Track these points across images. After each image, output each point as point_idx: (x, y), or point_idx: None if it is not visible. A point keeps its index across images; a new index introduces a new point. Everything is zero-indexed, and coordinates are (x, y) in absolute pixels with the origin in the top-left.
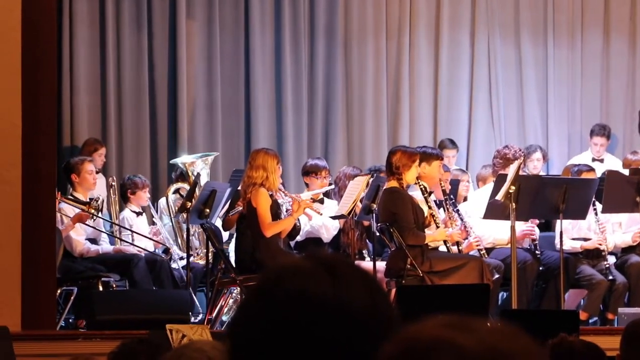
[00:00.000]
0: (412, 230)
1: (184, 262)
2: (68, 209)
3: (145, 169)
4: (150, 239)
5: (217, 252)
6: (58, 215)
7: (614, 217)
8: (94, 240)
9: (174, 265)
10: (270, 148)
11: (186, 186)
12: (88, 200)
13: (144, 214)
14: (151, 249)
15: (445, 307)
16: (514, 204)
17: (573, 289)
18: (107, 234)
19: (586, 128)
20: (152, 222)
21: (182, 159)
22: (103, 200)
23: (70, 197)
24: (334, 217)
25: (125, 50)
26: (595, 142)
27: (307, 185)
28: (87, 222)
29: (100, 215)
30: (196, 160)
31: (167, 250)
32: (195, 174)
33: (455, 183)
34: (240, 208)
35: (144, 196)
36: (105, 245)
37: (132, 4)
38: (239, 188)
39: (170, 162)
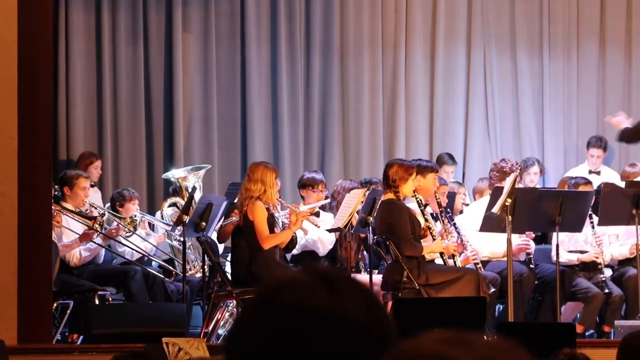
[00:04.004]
0: (409, 241)
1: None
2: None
3: (142, 181)
4: (148, 255)
5: (213, 265)
6: (61, 229)
7: (611, 229)
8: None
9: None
10: (270, 162)
11: (181, 200)
12: (94, 215)
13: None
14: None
15: (441, 320)
16: (510, 217)
17: (569, 301)
18: (105, 247)
19: (582, 140)
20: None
21: (174, 173)
22: (105, 215)
23: (75, 210)
24: (330, 230)
25: (121, 63)
26: (592, 153)
27: (303, 198)
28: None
29: (104, 231)
30: (188, 174)
31: (168, 273)
32: (188, 187)
33: (451, 196)
34: (235, 219)
35: (133, 208)
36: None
37: (128, 17)
38: (235, 201)
39: (162, 176)
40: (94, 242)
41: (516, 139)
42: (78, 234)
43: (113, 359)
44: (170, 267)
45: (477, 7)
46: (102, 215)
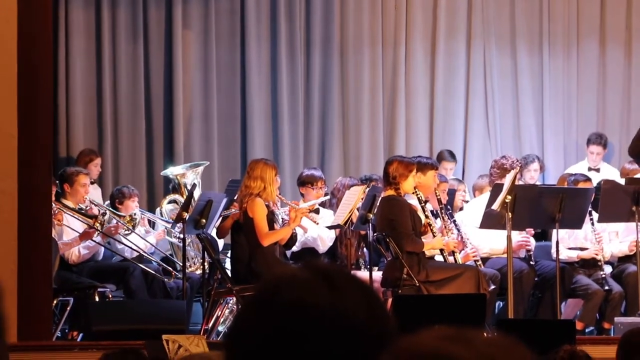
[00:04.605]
0: (410, 237)
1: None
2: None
3: (142, 179)
4: (146, 253)
5: (213, 262)
6: (62, 227)
7: (611, 226)
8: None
9: None
10: (269, 159)
11: (180, 197)
12: (94, 214)
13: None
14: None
15: (441, 316)
16: (510, 214)
17: (569, 298)
18: (104, 246)
19: (582, 138)
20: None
21: (172, 170)
22: (107, 214)
23: (76, 209)
24: (330, 227)
25: (121, 60)
26: (591, 150)
27: (302, 195)
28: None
29: (103, 230)
30: (186, 171)
31: (167, 273)
32: (187, 184)
33: (451, 193)
34: (235, 211)
35: (132, 205)
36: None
37: (128, 15)
38: (235, 198)
39: (161, 173)
40: (93, 240)
41: (516, 137)
42: (78, 232)
43: (103, 356)
44: (169, 268)
45: (477, 5)
46: (103, 214)
